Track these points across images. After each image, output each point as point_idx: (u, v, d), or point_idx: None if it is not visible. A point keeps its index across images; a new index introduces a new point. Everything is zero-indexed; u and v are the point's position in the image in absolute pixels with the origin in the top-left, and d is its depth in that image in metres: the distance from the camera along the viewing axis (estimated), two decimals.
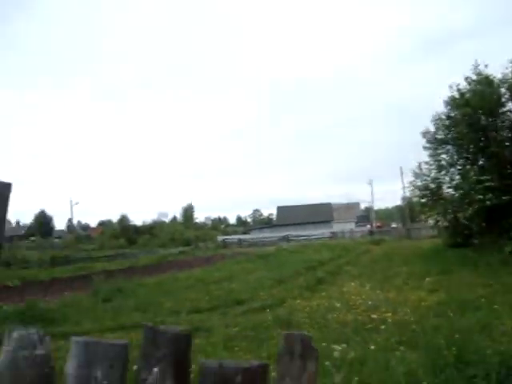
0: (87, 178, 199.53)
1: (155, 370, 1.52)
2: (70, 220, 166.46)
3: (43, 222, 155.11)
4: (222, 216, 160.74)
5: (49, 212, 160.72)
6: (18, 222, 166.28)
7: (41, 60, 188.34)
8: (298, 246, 40.01)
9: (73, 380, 1.52)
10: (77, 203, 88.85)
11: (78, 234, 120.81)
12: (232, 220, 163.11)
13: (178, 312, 14.34)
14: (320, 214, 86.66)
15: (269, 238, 63.06)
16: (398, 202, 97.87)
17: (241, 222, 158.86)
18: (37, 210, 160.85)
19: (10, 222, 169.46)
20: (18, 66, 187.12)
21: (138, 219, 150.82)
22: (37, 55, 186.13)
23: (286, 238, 59.82)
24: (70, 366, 1.53)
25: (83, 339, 1.54)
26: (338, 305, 12.19)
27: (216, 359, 1.56)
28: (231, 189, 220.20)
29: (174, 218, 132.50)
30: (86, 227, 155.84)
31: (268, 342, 9.43)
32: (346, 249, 36.28)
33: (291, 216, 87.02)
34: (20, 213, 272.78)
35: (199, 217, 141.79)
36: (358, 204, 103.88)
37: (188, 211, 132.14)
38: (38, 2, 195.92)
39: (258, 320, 11.87)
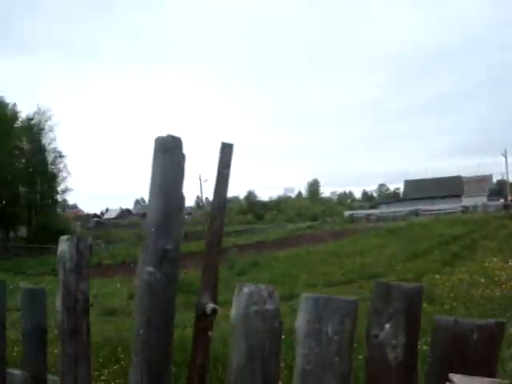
0: (212, 156, 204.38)
1: (387, 326, 1.53)
2: (198, 197, 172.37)
3: None
4: (347, 191, 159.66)
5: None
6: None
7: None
8: (429, 221, 38.87)
9: (303, 335, 1.56)
10: (206, 180, 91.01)
11: (206, 210, 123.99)
12: (357, 195, 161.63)
13: (314, 285, 14.43)
14: (449, 187, 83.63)
15: (397, 212, 61.75)
16: None
17: (366, 196, 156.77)
18: None
19: (144, 200, 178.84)
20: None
21: (264, 195, 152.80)
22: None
23: (416, 213, 58.35)
24: (301, 322, 1.57)
25: (314, 295, 1.57)
26: (483, 280, 11.72)
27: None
28: (356, 163, 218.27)
29: (299, 194, 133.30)
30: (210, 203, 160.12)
31: None
32: (480, 223, 34.75)
33: (419, 190, 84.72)
34: None
35: (324, 192, 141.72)
36: (490, 177, 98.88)
37: (313, 186, 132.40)
38: None
39: None
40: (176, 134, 1.80)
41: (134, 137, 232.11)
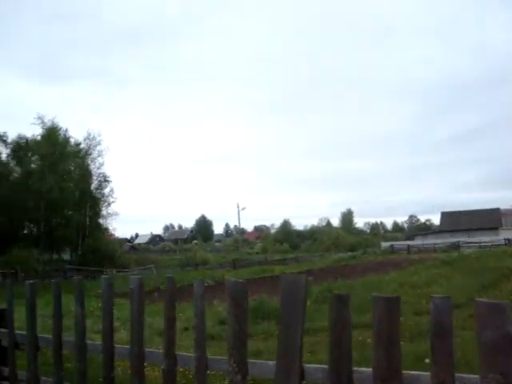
0: (239, 186, 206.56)
1: None
2: (227, 224, 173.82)
3: (203, 226, 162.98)
4: (378, 221, 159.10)
5: (208, 217, 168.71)
6: (180, 226, 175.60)
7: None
8: (479, 253, 38.79)
9: None
10: (243, 208, 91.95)
11: (236, 238, 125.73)
12: (388, 226, 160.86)
13: (403, 313, 14.58)
14: (487, 220, 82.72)
15: (437, 244, 61.59)
16: None
17: (397, 227, 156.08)
18: (197, 215, 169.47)
19: (173, 226, 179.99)
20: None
21: (297, 224, 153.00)
22: None
23: (457, 245, 58.23)
24: None
25: None
26: None
27: None
28: (385, 194, 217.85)
29: (328, 223, 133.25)
30: (242, 231, 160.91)
31: None
32: None
33: (455, 222, 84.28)
34: (182, 217, 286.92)
35: (357, 222, 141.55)
36: None
37: (347, 216, 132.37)
38: None
39: None
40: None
41: (164, 162, 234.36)
